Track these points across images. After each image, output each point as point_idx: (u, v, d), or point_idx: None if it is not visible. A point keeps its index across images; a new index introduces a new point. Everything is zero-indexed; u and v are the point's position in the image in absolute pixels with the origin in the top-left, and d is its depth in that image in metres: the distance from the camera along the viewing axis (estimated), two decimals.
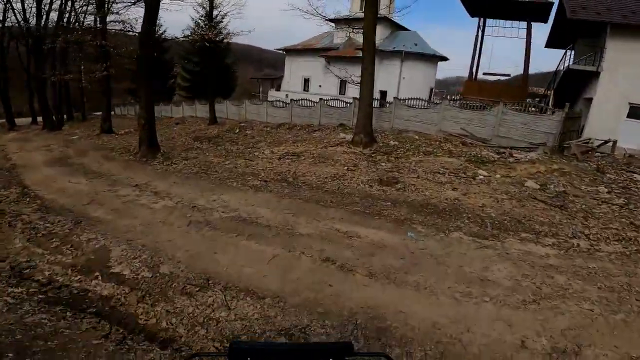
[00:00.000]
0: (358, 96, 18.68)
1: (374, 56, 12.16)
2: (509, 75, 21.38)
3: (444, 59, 28.01)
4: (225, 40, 30.09)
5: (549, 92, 18.46)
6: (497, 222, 6.52)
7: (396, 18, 27.94)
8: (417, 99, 16.73)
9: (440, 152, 12.25)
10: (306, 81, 32.46)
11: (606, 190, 8.73)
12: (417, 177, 9.28)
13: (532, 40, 18.69)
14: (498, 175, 9.74)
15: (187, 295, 4.32)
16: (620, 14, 13.30)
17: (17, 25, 23.12)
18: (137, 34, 11.99)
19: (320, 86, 30.71)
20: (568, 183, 9.26)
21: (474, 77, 20.17)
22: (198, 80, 33.64)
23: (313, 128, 17.19)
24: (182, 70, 37.32)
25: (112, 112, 32.79)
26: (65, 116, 29.97)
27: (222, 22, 26.18)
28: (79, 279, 4.69)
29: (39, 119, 26.79)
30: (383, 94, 26.13)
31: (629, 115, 14.00)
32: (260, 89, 39.06)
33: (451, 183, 8.76)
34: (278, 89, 35.31)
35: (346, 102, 18.74)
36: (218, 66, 26.37)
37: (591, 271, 4.81)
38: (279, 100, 22.66)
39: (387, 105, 16.90)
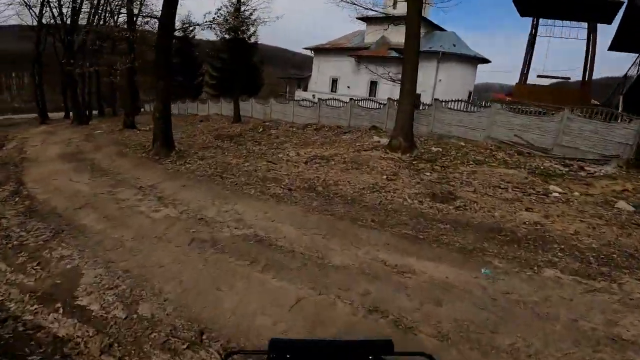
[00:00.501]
0: (389, 97, 17.31)
1: (419, 47, 10.54)
2: (568, 78, 18.97)
3: (486, 61, 25.83)
4: (252, 38, 29.63)
5: (615, 99, 16.08)
6: (603, 256, 4.83)
7: (432, 17, 26.12)
8: (460, 100, 14.89)
9: (494, 161, 10.45)
10: (334, 82, 31.09)
11: None
12: (473, 191, 7.59)
13: (596, 42, 16.37)
14: (576, 193, 7.87)
15: (170, 352, 2.95)
16: None
17: (52, 20, 23.19)
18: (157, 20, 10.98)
19: (348, 87, 29.25)
20: None
21: (524, 80, 17.98)
22: (225, 78, 33.01)
23: (342, 130, 15.71)
24: (210, 68, 36.93)
25: (142, 109, 33.05)
26: (96, 111, 30.24)
27: (249, 18, 25.30)
28: (36, 309, 3.48)
29: (71, 113, 26.91)
30: (417, 96, 24.26)
31: None
32: (287, 89, 38.11)
33: (520, 201, 7.01)
34: (305, 89, 34.19)
35: (379, 103, 17.13)
36: (244, 64, 25.49)
37: None
38: (306, 100, 21.37)
39: (426, 107, 15.13)
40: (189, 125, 20.17)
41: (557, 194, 7.67)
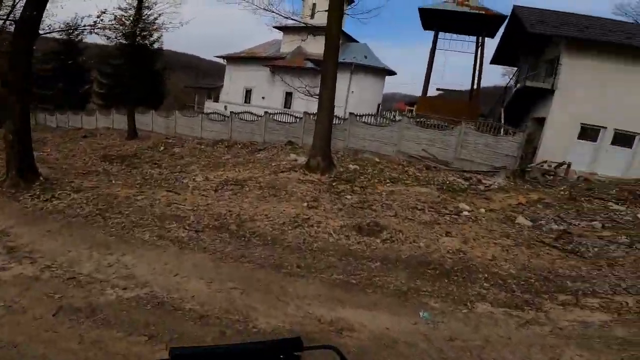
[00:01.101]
0: (305, 112, 17.01)
1: (337, 59, 10.27)
2: (463, 90, 21.17)
3: (392, 73, 27.63)
4: (156, 44, 26.65)
5: (497, 111, 18.47)
6: (523, 282, 4.96)
7: (345, 28, 26.99)
8: (373, 115, 15.33)
9: (408, 179, 10.71)
10: (248, 92, 29.84)
11: (600, 225, 7.78)
12: (395, 215, 7.45)
13: (484, 55, 18.64)
14: (482, 210, 8.36)
15: None
16: (576, 28, 13.26)
17: None
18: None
19: (263, 98, 28.32)
20: (558, 218, 8.20)
21: (426, 92, 19.52)
22: (118, 87, 29.04)
23: (257, 146, 14.74)
24: (99, 75, 32.00)
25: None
26: None
27: (153, 23, 22.60)
28: None
29: None
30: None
31: (580, 136, 13.98)
32: (196, 100, 35.37)
33: (438, 223, 7.06)
34: (216, 100, 32.10)
35: (295, 117, 16.65)
36: (144, 71, 22.56)
37: None
38: (216, 113, 19.77)
39: (341, 121, 15.17)
40: (68, 142, 16.86)
41: (466, 213, 8.01)
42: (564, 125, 13.80)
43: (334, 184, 9.48)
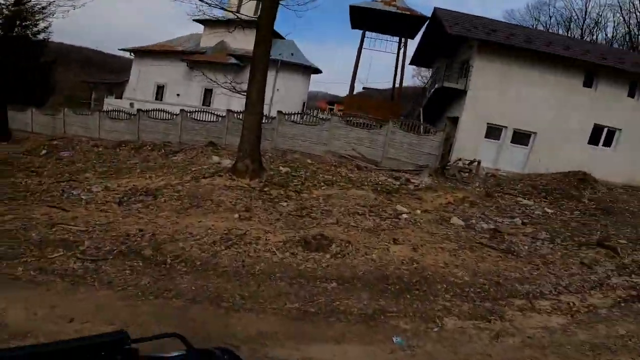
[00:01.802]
0: (228, 109, 15.56)
1: (269, 52, 9.30)
2: (389, 89, 21.66)
3: (318, 71, 27.41)
4: (41, 35, 22.21)
5: (416, 110, 19.46)
6: (479, 289, 4.77)
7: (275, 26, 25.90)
8: (302, 113, 14.71)
9: (341, 180, 10.30)
10: (160, 88, 26.67)
11: (520, 221, 8.34)
12: (336, 222, 6.88)
13: (406, 56, 19.42)
14: (418, 212, 8.32)
15: None
16: (484, 31, 14.35)
17: None
18: None
19: (178, 95, 25.60)
20: (484, 216, 8.58)
21: (352, 91, 19.63)
22: None
23: (172, 148, 12.90)
24: None
25: None
26: None
27: (41, 12, 18.50)
28: None
29: None
30: None
31: (487, 135, 15.31)
32: (93, 96, 30.51)
33: (382, 229, 6.71)
34: (119, 96, 28.06)
35: (217, 115, 15.11)
36: (23, 64, 18.32)
37: None
38: (120, 110, 16.99)
39: (269, 120, 14.19)
40: None
41: (405, 215, 7.86)
42: (473, 125, 14.94)
43: (265, 189, 8.54)
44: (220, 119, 14.90)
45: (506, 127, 15.09)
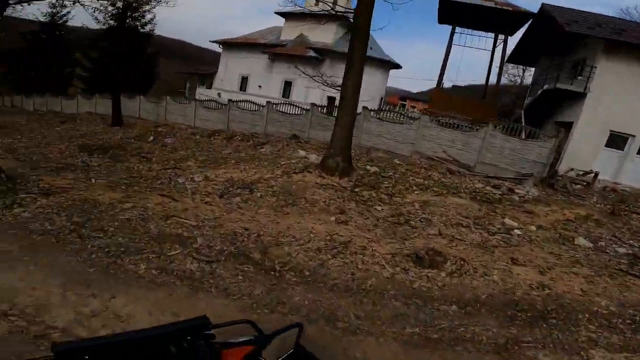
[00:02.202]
0: (313, 103, 15.43)
1: (366, 47, 8.81)
2: (482, 89, 19.83)
3: (397, 66, 26.27)
4: (147, 27, 24.73)
5: (516, 112, 17.39)
6: (628, 320, 4.06)
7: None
8: (390, 110, 14.00)
9: (435, 185, 9.46)
10: (244, 80, 28.04)
11: None
12: (439, 233, 6.22)
13: (498, 53, 17.43)
14: (532, 228, 7.20)
15: None
16: (611, 30, 12.24)
17: None
18: None
19: (260, 86, 26.64)
20: (616, 238, 7.14)
21: (439, 88, 18.23)
22: (103, 71, 26.98)
23: (259, 139, 13.22)
24: (84, 59, 29.64)
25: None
26: None
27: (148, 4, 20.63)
28: None
29: None
30: (331, 100, 23.22)
31: (607, 144, 13.05)
32: (187, 86, 33.28)
33: (494, 246, 5.91)
34: (209, 87, 30.16)
35: (301, 108, 15.15)
36: (132, 55, 20.55)
37: None
38: (212, 100, 18.06)
39: None
40: (44, 127, 14.93)
41: (517, 231, 6.85)
42: (592, 132, 12.84)
43: (356, 189, 8.16)
44: (303, 112, 14.88)
45: (634, 136, 12.72)
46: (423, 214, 7.20)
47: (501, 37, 18.22)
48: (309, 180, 8.27)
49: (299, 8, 22.63)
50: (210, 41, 31.17)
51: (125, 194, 6.50)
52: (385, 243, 5.48)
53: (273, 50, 25.61)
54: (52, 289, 3.52)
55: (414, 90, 54.81)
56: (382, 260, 4.77)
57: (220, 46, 29.12)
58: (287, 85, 25.75)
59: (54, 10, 28.12)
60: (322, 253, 4.85)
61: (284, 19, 26.73)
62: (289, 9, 20.09)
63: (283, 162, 9.70)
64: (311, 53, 24.02)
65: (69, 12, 29.34)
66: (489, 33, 17.94)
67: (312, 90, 23.87)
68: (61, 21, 28.91)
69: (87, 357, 0.85)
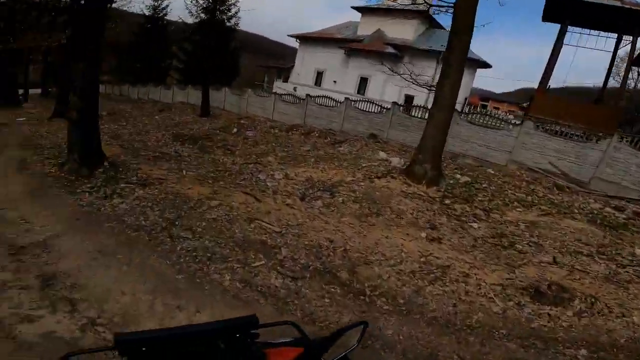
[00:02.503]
0: (395, 102, 14.51)
1: (469, 44, 7.80)
2: (600, 93, 16.82)
3: (487, 65, 23.81)
4: (232, 20, 26.00)
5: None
6: None
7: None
8: (482, 113, 12.53)
9: (540, 202, 8.07)
10: (319, 74, 28.01)
11: None
12: (553, 261, 5.15)
13: (631, 55, 14.44)
14: None
15: None
16: None
17: None
18: None
19: (335, 82, 26.35)
20: None
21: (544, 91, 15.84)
22: (195, 63, 29.24)
23: (336, 137, 12.85)
24: (180, 51, 32.52)
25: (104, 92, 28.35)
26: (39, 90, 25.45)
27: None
28: None
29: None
30: (409, 98, 21.95)
31: None
32: (266, 79, 34.46)
33: (626, 281, 4.71)
34: (285, 80, 30.81)
35: (380, 106, 14.40)
36: (219, 49, 21.76)
37: None
38: (290, 94, 18.23)
39: None
40: (145, 115, 16.44)
41: None
42: None
43: (446, 201, 7.27)
44: (383, 110, 14.11)
45: None
46: (531, 236, 6.08)
47: (626, 38, 15.13)
48: (394, 187, 7.60)
49: (377, 3, 21.73)
50: (288, 35, 31.78)
51: (212, 189, 6.55)
52: (491, 270, 4.63)
53: (349, 45, 25.09)
54: (141, 295, 3.45)
55: (497, 91, 49.82)
56: (490, 291, 3.97)
57: (298, 40, 29.42)
58: (363, 81, 25.06)
59: (156, 4, 31.14)
60: (417, 277, 4.21)
61: (360, 14, 26.11)
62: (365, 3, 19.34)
63: (364, 165, 9.15)
64: (389, 49, 22.96)
65: (167, 6, 32.19)
66: (609, 33, 15.00)
67: (388, 88, 22.98)
68: (161, 14, 31.68)
69: (144, 349, 0.89)
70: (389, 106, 13.98)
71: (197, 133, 12.11)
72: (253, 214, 5.61)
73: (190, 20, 21.55)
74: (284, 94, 18.55)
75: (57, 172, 6.65)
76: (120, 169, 6.85)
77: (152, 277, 3.74)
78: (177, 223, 5.00)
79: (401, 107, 13.96)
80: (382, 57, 22.18)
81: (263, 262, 4.28)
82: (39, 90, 28.00)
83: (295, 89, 26.00)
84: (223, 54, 24.83)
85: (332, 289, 3.91)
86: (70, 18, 11.27)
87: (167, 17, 32.43)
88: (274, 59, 47.23)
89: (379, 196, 7.03)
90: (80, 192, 5.82)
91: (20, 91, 22.01)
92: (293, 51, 31.59)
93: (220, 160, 8.84)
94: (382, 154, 10.51)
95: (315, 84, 27.86)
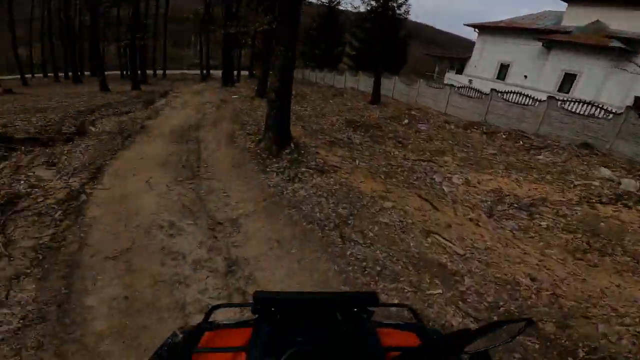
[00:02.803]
0: (629, 106, 10.61)
1: None
2: None
3: None
4: (402, 8, 25.22)
5: None
6: None
7: None
8: None
9: None
10: (503, 68, 24.02)
11: None
12: None
13: None
14: None
15: None
16: None
17: None
18: None
19: (525, 77, 22.06)
20: None
21: None
22: (366, 50, 29.84)
23: (532, 142, 10.43)
24: (352, 38, 33.91)
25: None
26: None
27: None
28: None
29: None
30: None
31: None
32: (437, 69, 32.14)
33: None
34: (459, 72, 27.90)
35: (605, 110, 10.90)
36: (390, 37, 21.31)
37: None
38: (468, 87, 16.10)
39: None
40: (320, 99, 17.64)
41: None
42: None
43: None
44: (610, 115, 10.59)
45: None
46: None
47: None
48: (628, 220, 5.41)
49: None
50: (465, 25, 28.52)
51: (385, 187, 6.10)
52: None
53: (550, 36, 20.33)
54: None
55: None
56: None
57: (476, 30, 25.88)
58: (568, 77, 20.00)
59: None
60: None
61: (566, 4, 20.78)
62: None
63: (577, 182, 6.95)
64: (615, 43, 17.38)
65: None
66: None
67: (608, 87, 17.84)
68: (335, 3, 33.63)
69: (272, 309, 0.97)
70: (615, 110, 10.37)
71: (368, 120, 11.99)
72: (430, 225, 4.84)
73: (362, 8, 21.98)
74: (462, 87, 16.55)
75: (255, 147, 7.54)
76: (302, 152, 7.22)
77: (318, 282, 3.51)
78: (349, 222, 4.73)
79: (638, 114, 10.11)
80: (603, 52, 17.45)
81: (440, 290, 3.50)
82: (246, 72, 34.66)
83: (470, 81, 23.22)
84: (393, 42, 24.43)
85: (530, 343, 2.81)
86: (272, 3, 12.72)
87: (338, 7, 34.18)
88: (440, 48, 44.14)
89: (605, 229, 5.08)
90: (269, 171, 6.35)
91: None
92: (462, 41, 28.20)
93: (392, 153, 8.34)
94: (605, 171, 7.81)
95: (498, 77, 24.12)
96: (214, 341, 1.00)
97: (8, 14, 25.23)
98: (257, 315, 0.99)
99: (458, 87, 16.33)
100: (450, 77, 27.31)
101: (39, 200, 4.76)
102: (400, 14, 25.77)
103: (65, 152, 7.23)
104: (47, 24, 31.89)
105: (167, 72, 36.03)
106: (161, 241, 4.06)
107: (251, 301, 0.96)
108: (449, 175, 7.12)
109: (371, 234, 4.53)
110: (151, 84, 25.79)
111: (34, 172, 5.82)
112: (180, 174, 6.17)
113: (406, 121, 11.97)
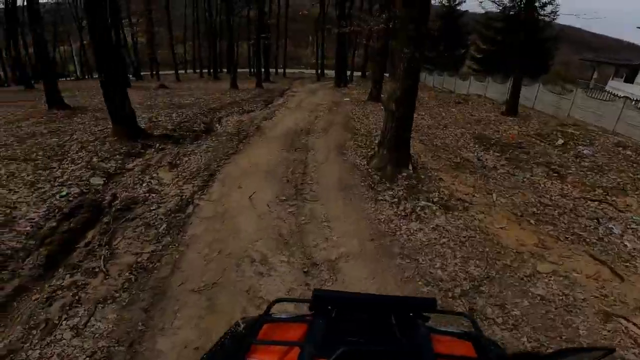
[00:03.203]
0: None
1: None
2: None
3: None
4: (547, 6, 21.00)
5: None
6: None
7: None
8: None
9: None
10: None
11: None
12: None
13: None
14: None
15: None
16: None
17: None
18: None
19: None
20: None
21: None
22: (496, 52, 25.95)
23: None
24: (480, 39, 29.85)
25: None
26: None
27: None
28: None
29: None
30: None
31: None
32: (593, 76, 25.95)
33: None
34: (628, 80, 21.83)
35: None
36: (529, 38, 17.57)
37: None
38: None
39: None
40: (440, 106, 15.72)
41: None
42: None
43: None
44: None
45: None
46: None
47: None
48: None
49: None
50: (638, 27, 21.93)
51: (537, 237, 4.43)
52: None
53: None
54: None
55: None
56: None
57: None
58: None
59: None
60: None
61: None
62: None
63: None
64: None
65: None
66: None
67: None
68: (456, 3, 30.32)
69: (329, 307, 1.01)
70: None
71: (504, 137, 9.82)
72: (611, 303, 3.17)
73: (492, 7, 18.71)
74: (637, 100, 12.44)
75: (364, 166, 6.64)
76: (422, 177, 5.98)
77: None
78: (483, 289, 3.40)
79: None
80: None
81: None
82: (359, 73, 34.41)
83: None
84: (535, 43, 20.34)
85: None
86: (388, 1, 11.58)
87: (459, 8, 30.77)
88: (593, 52, 36.47)
89: None
90: (380, 200, 5.33)
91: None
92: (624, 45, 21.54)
93: (543, 186, 6.35)
94: None
95: None
96: (272, 334, 1.02)
97: (166, 15, 30.09)
98: (313, 312, 1.03)
99: (635, 100, 12.32)
100: (615, 85, 21.65)
101: (152, 208, 4.82)
102: (544, 15, 21.82)
103: (189, 152, 7.63)
104: (196, 24, 37.56)
105: (287, 70, 38.42)
106: (249, 279, 3.50)
107: (310, 298, 1.00)
108: (633, 225, 4.93)
109: (516, 312, 3.14)
110: (273, 81, 27.56)
111: (157, 174, 6.13)
112: (284, 190, 5.68)
113: (560, 141, 9.34)
